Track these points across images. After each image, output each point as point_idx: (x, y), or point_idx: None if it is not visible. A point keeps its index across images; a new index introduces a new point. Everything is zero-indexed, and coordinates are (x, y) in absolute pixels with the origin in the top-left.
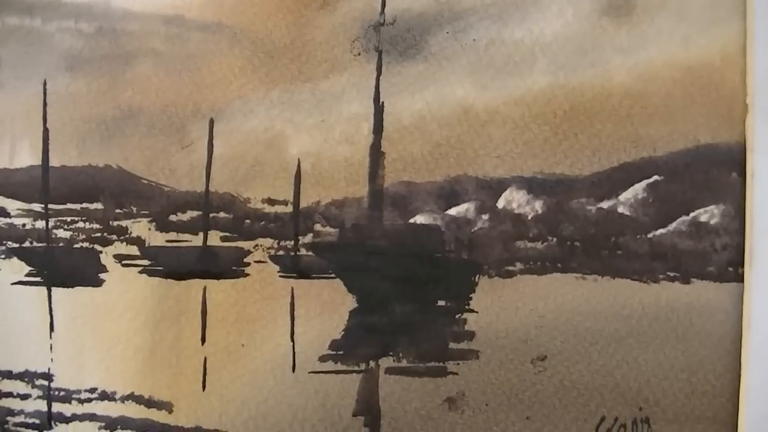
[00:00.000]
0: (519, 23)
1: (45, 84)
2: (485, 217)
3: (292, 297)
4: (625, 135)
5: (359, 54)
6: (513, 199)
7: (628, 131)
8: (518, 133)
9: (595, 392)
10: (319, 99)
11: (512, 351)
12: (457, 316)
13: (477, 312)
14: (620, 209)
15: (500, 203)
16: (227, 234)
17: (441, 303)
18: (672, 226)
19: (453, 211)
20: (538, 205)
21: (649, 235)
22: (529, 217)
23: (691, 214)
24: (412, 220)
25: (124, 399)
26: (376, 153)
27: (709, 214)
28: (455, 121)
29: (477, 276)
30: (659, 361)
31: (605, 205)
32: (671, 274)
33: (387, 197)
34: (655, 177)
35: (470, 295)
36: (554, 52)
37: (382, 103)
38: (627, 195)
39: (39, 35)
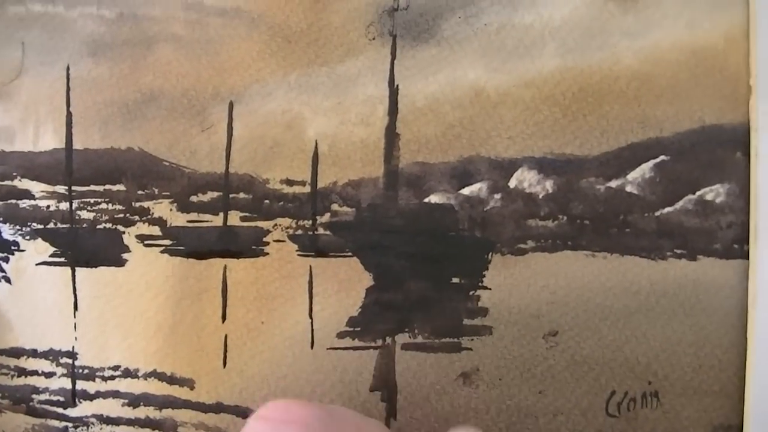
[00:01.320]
0: (528, 8)
1: (68, 69)
2: (497, 196)
3: (311, 275)
4: (632, 116)
5: (374, 38)
6: (524, 179)
7: (636, 112)
8: (529, 114)
9: (605, 367)
10: (336, 82)
11: (524, 327)
12: (470, 293)
13: (490, 289)
14: (628, 188)
15: (512, 183)
16: (247, 214)
17: (455, 280)
18: (678, 205)
19: (466, 191)
20: (549, 185)
21: (657, 214)
22: (540, 196)
23: (697, 193)
24: (426, 200)
25: (146, 376)
26: (392, 134)
27: (715, 192)
28: (467, 103)
29: (490, 254)
30: (667, 336)
31: (614, 184)
32: (678, 252)
33: (402, 177)
34: (662, 157)
35: (483, 273)
36: (563, 36)
37: (397, 86)
38: (635, 174)
39: (62, 21)
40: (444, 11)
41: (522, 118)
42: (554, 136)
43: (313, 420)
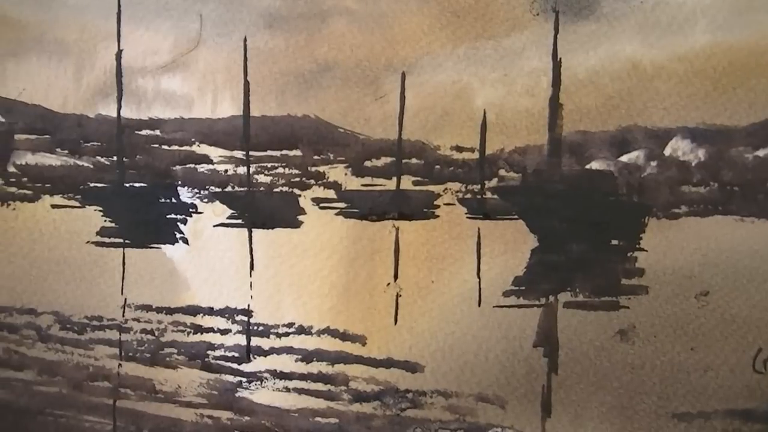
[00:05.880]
0: None
1: (245, 40)
2: (653, 163)
3: (479, 237)
4: None
5: (538, 14)
6: (678, 148)
7: None
8: (682, 87)
9: (752, 325)
10: (502, 55)
11: (678, 287)
12: (628, 254)
13: (646, 251)
14: None
15: (667, 151)
16: (418, 178)
17: (614, 242)
18: None
19: (624, 158)
20: (701, 153)
21: None
22: (693, 164)
23: None
24: (587, 166)
25: (319, 333)
26: (555, 104)
27: None
28: (625, 76)
29: (646, 217)
30: None
31: (761, 153)
32: None
33: (565, 145)
34: None
35: (640, 235)
36: (713, 13)
37: (560, 59)
38: None
39: None
40: None
41: (676, 90)
42: (705, 108)
43: None
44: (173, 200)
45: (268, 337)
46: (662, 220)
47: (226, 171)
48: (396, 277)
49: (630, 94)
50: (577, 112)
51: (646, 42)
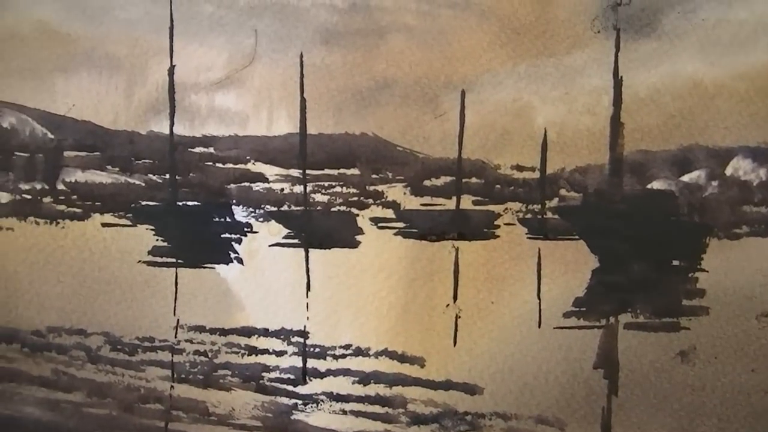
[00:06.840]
0: (743, 4)
1: (301, 56)
2: (715, 183)
3: (539, 257)
4: None
5: (599, 32)
6: (740, 167)
7: None
8: (743, 105)
9: None
10: (563, 73)
11: (739, 308)
12: (689, 275)
13: (707, 271)
14: None
15: (728, 171)
16: (479, 198)
17: (675, 263)
18: None
19: (686, 178)
20: (763, 173)
21: None
22: (754, 184)
23: None
24: (649, 186)
25: (377, 354)
26: (616, 123)
27: None
28: (686, 94)
29: (708, 238)
30: None
31: None
32: None
33: (626, 164)
34: None
35: (701, 256)
36: None
37: (621, 77)
38: None
39: (295, 10)
40: (664, 6)
41: (737, 109)
42: (767, 127)
43: None
44: (227, 219)
45: (325, 359)
46: (723, 240)
47: (282, 190)
48: (455, 298)
49: (691, 113)
50: (638, 131)
51: (707, 60)
